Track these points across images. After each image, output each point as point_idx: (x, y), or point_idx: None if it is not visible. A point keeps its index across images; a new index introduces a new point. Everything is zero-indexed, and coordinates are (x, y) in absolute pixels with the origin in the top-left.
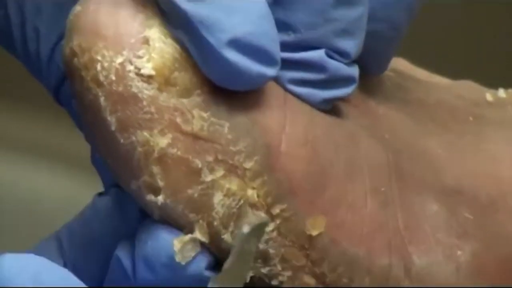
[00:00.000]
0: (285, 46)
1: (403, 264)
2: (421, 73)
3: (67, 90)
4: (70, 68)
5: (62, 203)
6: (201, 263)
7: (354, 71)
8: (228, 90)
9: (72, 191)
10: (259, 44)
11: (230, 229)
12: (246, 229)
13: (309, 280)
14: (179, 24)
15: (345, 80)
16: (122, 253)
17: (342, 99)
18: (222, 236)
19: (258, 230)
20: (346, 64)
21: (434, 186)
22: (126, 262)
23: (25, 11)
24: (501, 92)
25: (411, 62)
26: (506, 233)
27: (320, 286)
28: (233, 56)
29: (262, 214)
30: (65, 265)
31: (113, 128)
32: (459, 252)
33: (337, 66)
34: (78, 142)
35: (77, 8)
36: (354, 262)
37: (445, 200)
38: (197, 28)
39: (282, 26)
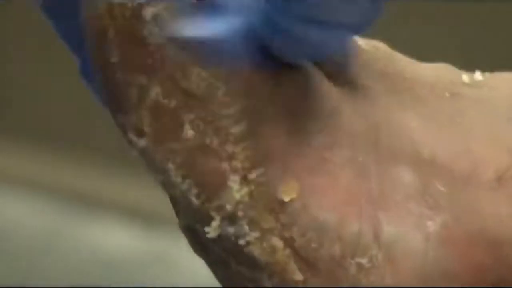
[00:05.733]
0: None
1: (373, 231)
2: (399, 54)
3: None
4: None
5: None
6: None
7: None
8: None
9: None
10: None
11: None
12: None
13: (277, 242)
14: None
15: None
16: None
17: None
18: None
19: None
20: None
21: (411, 157)
22: None
23: None
24: (478, 75)
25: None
26: (477, 208)
27: (288, 249)
28: None
29: None
30: None
31: (113, 60)
32: (429, 223)
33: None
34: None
35: None
36: (324, 229)
37: (420, 171)
38: None
39: None
